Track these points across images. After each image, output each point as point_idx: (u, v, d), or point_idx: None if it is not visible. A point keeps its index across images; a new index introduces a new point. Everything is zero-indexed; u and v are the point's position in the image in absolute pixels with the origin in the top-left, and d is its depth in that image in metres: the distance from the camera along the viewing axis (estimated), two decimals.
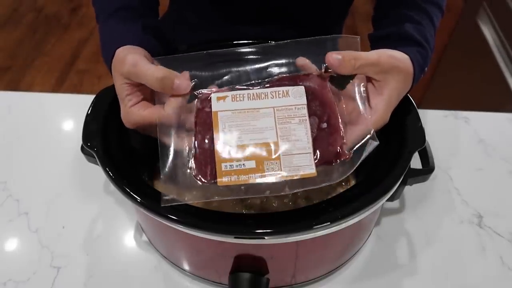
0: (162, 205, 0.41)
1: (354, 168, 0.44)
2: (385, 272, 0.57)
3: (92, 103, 0.53)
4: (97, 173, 0.65)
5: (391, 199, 0.48)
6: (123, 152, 0.49)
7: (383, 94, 0.47)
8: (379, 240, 0.60)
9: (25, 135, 0.74)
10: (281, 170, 0.42)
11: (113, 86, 0.55)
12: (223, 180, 0.42)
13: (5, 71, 2.11)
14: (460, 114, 0.78)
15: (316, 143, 0.44)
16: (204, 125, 0.44)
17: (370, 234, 0.58)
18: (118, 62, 0.47)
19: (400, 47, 0.50)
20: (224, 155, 0.43)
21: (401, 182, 0.46)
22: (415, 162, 0.48)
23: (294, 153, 0.43)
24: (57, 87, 2.04)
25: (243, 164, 0.42)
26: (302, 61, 0.48)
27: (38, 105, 0.80)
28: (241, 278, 0.47)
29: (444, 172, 0.68)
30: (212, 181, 0.42)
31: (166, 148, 0.44)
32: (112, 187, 0.46)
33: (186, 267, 0.54)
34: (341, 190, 0.53)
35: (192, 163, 0.43)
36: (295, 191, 0.44)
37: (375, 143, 0.44)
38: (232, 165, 0.42)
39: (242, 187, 0.43)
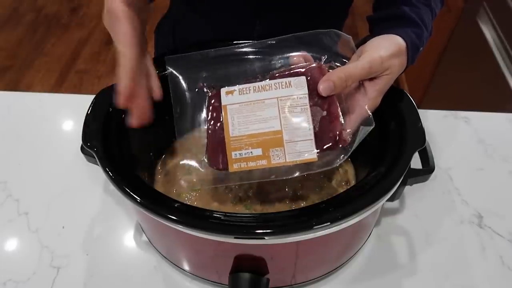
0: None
1: (351, 152, 0.47)
2: (385, 272, 0.57)
3: (92, 103, 0.53)
4: (97, 173, 0.65)
5: (391, 199, 0.48)
6: (123, 152, 0.49)
7: (377, 84, 0.49)
8: (379, 240, 0.60)
9: (25, 135, 0.74)
10: (285, 156, 0.46)
11: (113, 86, 0.55)
12: (234, 167, 0.47)
13: (5, 71, 2.11)
14: (460, 114, 0.78)
15: (317, 130, 0.47)
16: (215, 119, 0.48)
17: (370, 234, 0.58)
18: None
19: (396, 27, 0.52)
20: (234, 144, 0.47)
21: (401, 182, 0.46)
22: (415, 162, 0.48)
23: (296, 140, 0.46)
24: (57, 87, 2.04)
25: (251, 152, 0.47)
26: (303, 54, 0.51)
27: (38, 105, 0.80)
28: (241, 278, 0.47)
29: (444, 172, 0.68)
30: (225, 169, 0.47)
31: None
32: (112, 187, 0.46)
33: (186, 267, 0.54)
34: (341, 190, 0.54)
35: (207, 154, 0.49)
36: (297, 175, 0.48)
37: (370, 127, 0.47)
38: (242, 153, 0.47)
39: (251, 173, 0.48)
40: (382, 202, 0.45)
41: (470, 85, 1.33)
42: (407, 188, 0.50)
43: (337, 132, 0.46)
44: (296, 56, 0.51)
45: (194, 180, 0.58)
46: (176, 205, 0.43)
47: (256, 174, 0.48)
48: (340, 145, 0.47)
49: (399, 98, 0.53)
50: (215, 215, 0.43)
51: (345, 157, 0.47)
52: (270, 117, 0.47)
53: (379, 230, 0.61)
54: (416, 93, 1.62)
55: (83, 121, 0.51)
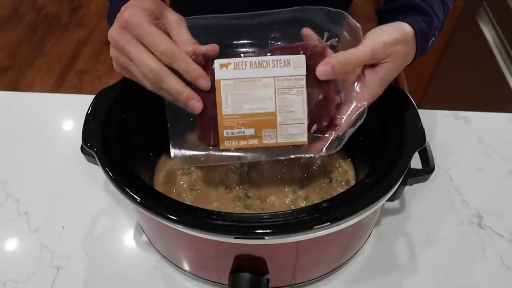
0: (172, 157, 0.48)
1: (344, 142, 0.47)
2: (385, 272, 0.57)
3: (92, 103, 0.53)
4: (97, 173, 0.65)
5: (391, 199, 0.48)
6: (123, 152, 0.49)
7: (378, 73, 0.48)
8: (379, 240, 0.60)
9: (25, 135, 0.74)
10: (276, 138, 0.46)
11: (113, 86, 0.55)
12: (225, 144, 0.47)
13: (5, 71, 2.11)
14: (460, 114, 0.78)
15: (311, 113, 0.46)
16: (208, 93, 0.46)
17: (370, 234, 0.58)
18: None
19: (405, 16, 0.51)
20: (226, 122, 0.46)
21: (401, 182, 0.46)
22: (415, 162, 0.48)
23: (289, 123, 0.46)
24: (57, 87, 2.04)
25: (243, 132, 0.46)
26: (307, 31, 0.49)
27: (38, 105, 0.80)
28: (241, 278, 0.47)
29: (444, 172, 0.68)
30: (215, 145, 0.47)
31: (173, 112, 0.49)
32: (112, 187, 0.46)
33: (186, 267, 0.54)
34: (341, 190, 0.53)
35: (197, 129, 0.48)
36: (286, 157, 0.48)
37: (362, 118, 0.47)
38: (233, 131, 0.46)
39: (241, 152, 0.48)
40: (382, 202, 0.45)
41: (470, 85, 1.33)
42: (407, 188, 0.50)
43: (331, 118, 0.46)
44: (307, 30, 0.48)
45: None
46: (176, 205, 0.43)
47: (247, 154, 0.48)
48: (333, 132, 0.46)
49: (399, 98, 0.53)
50: (215, 215, 0.43)
51: (338, 147, 0.47)
52: (265, 97, 0.46)
53: (379, 230, 0.61)
54: (416, 93, 1.62)
55: (83, 121, 0.51)
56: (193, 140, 0.50)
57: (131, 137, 0.53)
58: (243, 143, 0.46)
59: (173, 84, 0.45)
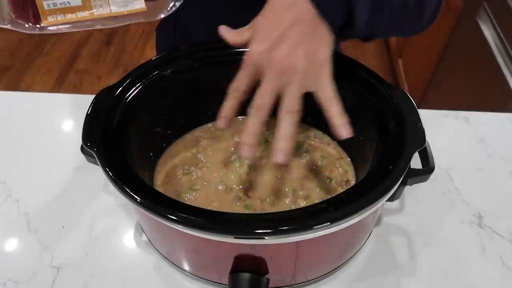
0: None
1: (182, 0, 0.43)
2: (385, 272, 0.57)
3: (92, 103, 0.53)
4: (97, 173, 0.65)
5: (391, 199, 0.48)
6: (123, 152, 0.49)
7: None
8: (379, 240, 0.60)
9: (25, 135, 0.74)
10: (109, 6, 0.41)
11: (113, 86, 0.55)
12: (48, 20, 0.40)
13: (5, 71, 2.11)
14: (460, 114, 0.78)
15: None
16: None
17: (370, 234, 0.58)
18: None
19: None
20: None
21: (401, 182, 0.46)
22: (415, 162, 0.48)
23: None
24: (57, 87, 2.05)
25: (68, 2, 0.41)
26: None
27: (38, 105, 0.80)
28: (241, 278, 0.47)
29: (444, 172, 0.68)
30: (37, 23, 0.41)
31: None
32: (112, 187, 0.46)
33: (186, 267, 0.54)
34: (341, 190, 0.54)
35: (8, 5, 0.40)
36: (124, 23, 0.43)
37: None
38: (56, 3, 0.40)
39: (71, 24, 0.42)
40: (382, 202, 0.45)
41: (470, 85, 1.33)
42: (407, 188, 0.50)
43: None
44: None
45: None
46: (176, 205, 0.43)
47: (78, 25, 0.42)
48: None
49: (399, 98, 0.53)
50: (215, 215, 0.43)
51: (178, 3, 0.43)
52: None
53: (379, 230, 0.61)
54: (416, 93, 1.62)
55: (83, 121, 0.51)
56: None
57: (131, 137, 0.53)
58: (70, 16, 0.41)
59: None
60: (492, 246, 0.59)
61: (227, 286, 0.49)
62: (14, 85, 2.04)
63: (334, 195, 0.47)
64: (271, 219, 0.43)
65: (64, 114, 0.79)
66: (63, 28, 0.42)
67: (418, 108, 0.52)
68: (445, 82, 1.49)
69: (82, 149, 0.50)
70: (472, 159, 0.70)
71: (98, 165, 0.47)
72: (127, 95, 0.54)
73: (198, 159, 0.61)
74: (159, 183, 0.59)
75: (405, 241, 0.60)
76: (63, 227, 0.61)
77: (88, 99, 0.53)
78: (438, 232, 0.61)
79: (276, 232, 0.41)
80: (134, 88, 0.55)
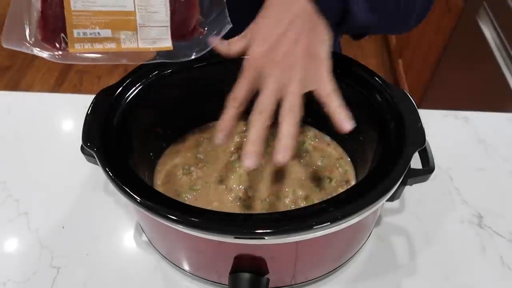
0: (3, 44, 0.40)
1: (209, 48, 0.44)
2: (385, 272, 0.57)
3: (92, 103, 0.53)
4: (97, 173, 0.65)
5: (391, 199, 0.48)
6: (123, 152, 0.49)
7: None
8: (379, 240, 0.60)
9: (25, 135, 0.74)
10: (137, 41, 0.42)
11: (113, 86, 0.55)
12: (75, 47, 0.41)
13: (4, 71, 2.11)
14: (460, 114, 0.78)
15: (174, 17, 0.43)
16: None
17: (370, 234, 0.58)
18: None
19: None
20: (77, 20, 0.40)
21: (401, 182, 0.46)
22: (415, 162, 0.48)
23: (151, 25, 0.42)
24: (57, 87, 2.04)
25: (98, 33, 0.41)
26: None
27: (38, 105, 0.80)
28: (241, 278, 0.47)
29: (444, 172, 0.68)
30: (63, 49, 0.41)
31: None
32: (112, 187, 0.46)
33: (186, 267, 0.54)
34: (341, 190, 0.54)
35: (39, 30, 0.41)
36: (151, 62, 0.44)
37: (229, 26, 0.44)
38: (86, 32, 0.41)
39: (97, 55, 0.42)
40: (382, 202, 0.45)
41: (470, 85, 1.33)
42: (407, 188, 0.50)
43: (194, 21, 0.43)
44: None
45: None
46: (176, 205, 0.43)
47: (103, 57, 0.43)
48: (196, 35, 0.44)
49: (399, 98, 0.53)
50: (215, 215, 0.43)
51: (203, 51, 0.44)
52: None
53: (379, 230, 0.61)
54: (416, 93, 1.62)
55: (83, 121, 0.51)
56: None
57: (131, 137, 0.53)
58: (98, 47, 0.41)
59: None
60: (492, 246, 0.59)
61: (227, 286, 0.49)
62: (14, 85, 2.04)
63: (334, 195, 0.47)
64: (271, 219, 0.43)
65: (64, 114, 0.79)
66: (87, 58, 0.42)
67: (418, 108, 0.52)
68: (445, 82, 1.49)
69: (82, 149, 0.50)
70: (472, 159, 0.70)
71: (98, 165, 0.47)
72: (127, 95, 0.54)
73: (198, 159, 0.61)
74: (159, 183, 0.59)
75: (405, 241, 0.60)
76: (63, 227, 0.61)
77: (88, 99, 0.53)
78: (438, 232, 0.61)
79: (276, 232, 0.41)
80: (134, 88, 0.55)
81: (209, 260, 0.51)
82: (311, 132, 0.65)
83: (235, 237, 0.42)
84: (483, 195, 0.65)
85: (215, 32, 0.44)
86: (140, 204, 0.43)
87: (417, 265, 0.57)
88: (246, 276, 0.47)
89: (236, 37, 0.46)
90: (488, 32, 1.22)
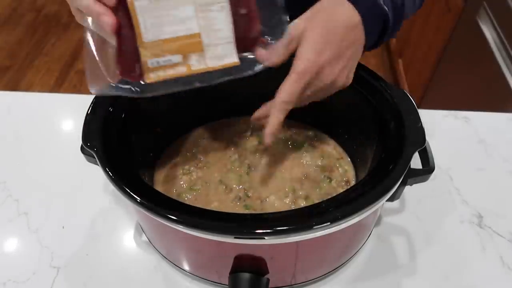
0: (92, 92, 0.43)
1: (282, 57, 0.45)
2: (385, 272, 0.57)
3: (92, 103, 0.53)
4: (97, 173, 0.65)
5: (391, 199, 0.48)
6: (123, 152, 0.49)
7: (302, 46, 0.46)
8: (379, 240, 0.60)
9: (25, 135, 0.74)
10: (205, 61, 0.43)
11: None
12: (150, 76, 0.42)
13: (4, 71, 2.11)
14: (460, 114, 0.78)
15: (237, 31, 0.43)
16: (123, 21, 0.41)
17: (370, 234, 0.58)
18: None
19: None
20: (150, 51, 0.42)
21: (401, 182, 0.46)
22: (415, 162, 0.48)
23: (217, 43, 0.43)
24: (57, 87, 2.04)
25: (170, 60, 0.42)
26: None
27: (38, 105, 0.80)
28: (241, 278, 0.47)
29: (444, 172, 0.68)
30: (140, 79, 0.42)
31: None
32: (112, 187, 0.46)
33: (186, 267, 0.54)
34: (341, 190, 0.54)
35: (117, 65, 0.43)
36: (220, 80, 0.44)
37: (287, 26, 0.44)
38: (159, 61, 0.42)
39: (172, 81, 0.44)
40: (382, 202, 0.45)
41: (470, 85, 1.33)
42: (407, 188, 0.50)
43: (256, 32, 0.44)
44: None
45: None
46: (176, 205, 0.43)
47: (178, 82, 0.44)
48: (259, 44, 0.44)
49: (399, 98, 0.53)
50: (215, 215, 0.43)
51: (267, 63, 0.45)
52: (186, 16, 0.41)
53: (379, 230, 0.61)
54: (416, 93, 1.62)
55: (83, 121, 0.51)
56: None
57: (131, 137, 0.53)
58: (170, 72, 0.42)
59: (84, 2, 0.41)
60: (492, 246, 0.59)
61: (227, 286, 0.49)
62: (14, 85, 2.04)
63: (334, 195, 0.47)
64: (271, 219, 0.43)
65: (64, 114, 0.79)
66: (163, 89, 0.44)
67: (418, 108, 0.52)
68: (445, 82, 1.49)
69: (82, 149, 0.50)
70: (472, 159, 0.70)
71: (98, 165, 0.47)
72: None
73: (198, 159, 0.61)
74: (159, 183, 0.59)
75: (405, 241, 0.60)
76: (63, 227, 0.61)
77: (88, 99, 0.53)
78: (438, 232, 0.61)
79: (276, 232, 0.41)
80: None
81: (209, 260, 0.51)
82: (311, 132, 0.65)
83: (235, 237, 0.42)
84: (483, 195, 0.65)
85: (276, 38, 0.45)
86: (140, 204, 0.43)
87: (417, 265, 0.57)
88: (246, 276, 0.47)
89: (280, 44, 0.46)
90: (488, 32, 1.22)
